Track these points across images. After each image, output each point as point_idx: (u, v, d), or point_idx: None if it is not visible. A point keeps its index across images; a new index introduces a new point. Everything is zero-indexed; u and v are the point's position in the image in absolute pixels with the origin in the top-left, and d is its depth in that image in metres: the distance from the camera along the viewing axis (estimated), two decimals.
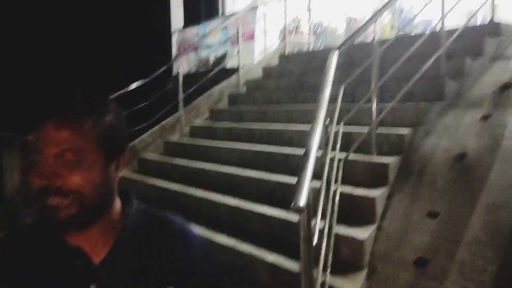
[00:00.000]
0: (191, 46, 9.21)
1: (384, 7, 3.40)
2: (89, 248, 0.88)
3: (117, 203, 0.93)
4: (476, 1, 4.04)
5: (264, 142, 4.18)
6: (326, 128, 2.41)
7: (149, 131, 5.87)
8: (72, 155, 0.81)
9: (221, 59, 8.24)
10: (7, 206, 8.35)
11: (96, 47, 8.96)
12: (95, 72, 8.80)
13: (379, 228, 2.63)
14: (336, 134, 2.79)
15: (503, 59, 3.65)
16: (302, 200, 1.61)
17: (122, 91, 5.52)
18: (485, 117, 3.06)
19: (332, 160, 2.64)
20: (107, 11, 9.11)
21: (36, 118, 0.85)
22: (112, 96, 5.41)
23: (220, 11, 9.72)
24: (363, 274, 2.41)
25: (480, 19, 5.71)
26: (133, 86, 5.41)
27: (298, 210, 1.60)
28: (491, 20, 4.10)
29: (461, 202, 2.52)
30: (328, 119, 2.40)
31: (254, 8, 7.26)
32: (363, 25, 3.17)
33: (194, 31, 9.22)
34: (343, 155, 2.84)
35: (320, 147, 2.21)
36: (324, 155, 2.45)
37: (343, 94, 2.81)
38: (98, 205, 0.86)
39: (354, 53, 4.15)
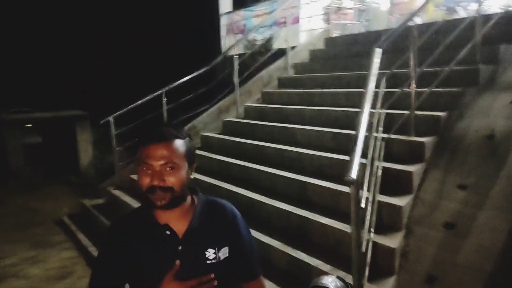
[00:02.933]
0: (239, 28, 9.72)
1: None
2: (173, 224, 1.41)
3: (189, 194, 1.46)
4: None
5: (313, 123, 4.70)
6: (371, 112, 2.90)
7: (207, 112, 6.51)
8: (170, 165, 1.33)
9: (268, 41, 8.67)
10: (82, 178, 9.35)
11: (153, 32, 9.62)
12: (155, 54, 9.53)
13: (415, 198, 3.13)
14: (379, 117, 3.28)
15: None
16: (354, 174, 2.15)
17: (185, 78, 6.15)
18: None
19: (376, 139, 3.14)
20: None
21: (143, 141, 1.36)
22: (175, 84, 6.07)
23: None
24: (401, 234, 2.94)
25: None
26: (195, 73, 5.98)
27: (350, 182, 2.15)
28: None
29: (486, 176, 2.97)
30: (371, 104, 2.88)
31: None
32: (403, 22, 3.57)
33: (241, 14, 9.69)
34: (385, 135, 3.34)
35: (366, 129, 2.71)
36: (369, 136, 2.95)
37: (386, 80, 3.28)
38: (181, 195, 1.38)
39: (396, 38, 4.52)
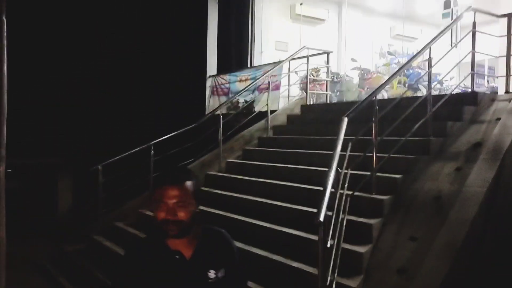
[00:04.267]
0: (223, 90, 10.50)
1: (394, 75, 4.54)
2: (182, 250, 1.67)
3: (195, 225, 1.72)
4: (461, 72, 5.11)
5: (290, 180, 5.25)
6: (338, 172, 3.47)
7: (191, 165, 7.00)
8: (181, 202, 1.60)
9: (249, 104, 9.39)
10: (59, 221, 9.47)
11: (144, 87, 10.25)
12: (139, 107, 10.10)
13: (374, 247, 3.66)
14: (345, 176, 3.86)
15: (477, 123, 4.69)
16: (321, 217, 2.68)
17: (172, 134, 6.72)
18: (458, 169, 4.10)
19: (342, 195, 3.70)
20: (154, 57, 10.45)
21: (161, 183, 1.63)
22: (163, 138, 6.61)
23: (249, 63, 11.04)
24: (361, 277, 3.42)
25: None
26: (182, 130, 6.56)
27: (318, 224, 2.67)
28: (472, 91, 5.17)
29: (433, 230, 3.54)
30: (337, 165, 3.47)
31: (279, 62, 8.41)
32: (371, 93, 4.27)
33: (226, 78, 10.50)
34: (350, 192, 3.90)
35: (333, 186, 3.26)
36: (336, 191, 3.50)
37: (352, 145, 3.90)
38: (189, 226, 1.65)
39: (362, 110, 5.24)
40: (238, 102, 10.00)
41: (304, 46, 7.26)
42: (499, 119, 4.41)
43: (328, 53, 7.62)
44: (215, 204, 5.53)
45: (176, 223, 1.60)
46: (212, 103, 11.08)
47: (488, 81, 11.42)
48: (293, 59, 7.58)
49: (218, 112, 7.34)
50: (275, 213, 4.73)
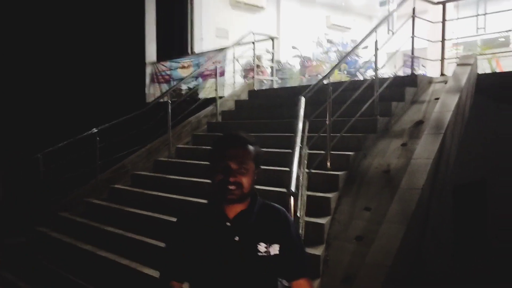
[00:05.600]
0: (165, 77, 10.35)
1: (339, 63, 4.78)
2: (234, 219, 1.60)
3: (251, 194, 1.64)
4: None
5: None
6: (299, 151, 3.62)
7: (137, 153, 6.89)
8: (244, 165, 1.55)
9: (193, 90, 9.34)
10: None
11: (82, 75, 9.83)
12: (78, 99, 9.68)
13: (333, 218, 3.88)
14: (304, 154, 4.04)
15: (418, 103, 5.09)
16: (293, 188, 2.82)
17: (116, 120, 6.58)
18: (404, 144, 4.45)
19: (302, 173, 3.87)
20: (91, 44, 10.03)
21: (222, 144, 1.59)
22: (106, 125, 6.46)
23: (189, 50, 10.95)
24: (323, 246, 3.62)
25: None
26: (125, 117, 6.47)
27: (291, 194, 2.81)
28: (411, 73, 5.58)
29: (385, 200, 3.83)
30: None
31: (223, 49, 8.43)
32: (323, 77, 4.48)
33: (167, 65, 10.34)
34: (307, 170, 4.09)
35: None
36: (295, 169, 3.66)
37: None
38: (248, 193, 1.58)
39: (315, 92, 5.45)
40: (181, 89, 9.91)
41: (250, 31, 7.35)
42: (437, 98, 4.81)
43: (273, 39, 7.78)
44: (166, 189, 5.50)
45: (236, 184, 1.54)
46: (152, 90, 10.89)
47: (415, 69, 12.25)
48: (239, 44, 7.64)
49: (165, 99, 7.30)
50: None
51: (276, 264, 1.61)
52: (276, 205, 1.73)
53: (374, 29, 4.91)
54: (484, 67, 6.25)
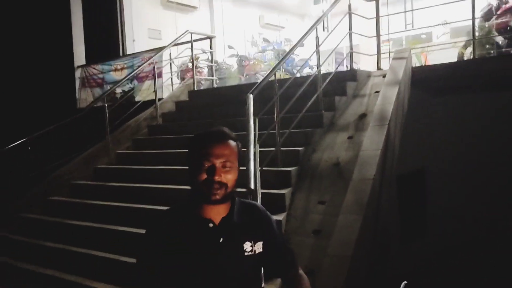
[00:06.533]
0: (97, 81, 9.87)
1: (280, 61, 4.78)
2: (215, 219, 1.51)
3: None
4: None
5: (184, 164, 5.16)
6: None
7: (75, 160, 6.49)
8: (229, 163, 1.46)
9: (128, 93, 8.98)
10: None
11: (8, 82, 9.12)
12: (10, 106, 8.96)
13: (288, 214, 3.87)
14: (256, 153, 3.99)
15: (359, 97, 5.24)
16: (252, 186, 2.76)
17: (47, 128, 6.17)
18: (350, 137, 4.55)
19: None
20: (15, 48, 9.33)
21: (206, 140, 1.48)
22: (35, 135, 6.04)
23: (121, 52, 10.54)
24: None
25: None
26: (56, 124, 6.08)
27: (250, 191, 2.74)
28: (351, 68, 5.74)
29: (337, 192, 3.88)
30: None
31: (160, 49, 8.20)
32: (268, 73, 4.46)
33: (99, 68, 9.87)
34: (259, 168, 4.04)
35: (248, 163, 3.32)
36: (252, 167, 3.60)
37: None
38: (231, 192, 1.51)
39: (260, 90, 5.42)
40: (114, 93, 9.50)
41: (187, 31, 7.18)
42: (378, 92, 4.98)
43: (211, 38, 7.68)
44: (109, 197, 5.21)
45: (221, 184, 1.45)
46: (84, 95, 10.35)
47: (347, 66, 12.70)
48: (175, 44, 7.45)
49: (96, 104, 7.00)
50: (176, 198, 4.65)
51: (261, 262, 1.59)
52: (253, 201, 1.71)
53: (314, 26, 4.97)
54: (414, 62, 6.59)
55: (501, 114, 6.20)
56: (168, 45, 7.29)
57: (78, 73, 10.28)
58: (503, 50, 6.18)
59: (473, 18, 5.21)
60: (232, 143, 1.51)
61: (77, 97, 10.34)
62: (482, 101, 6.25)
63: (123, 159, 6.18)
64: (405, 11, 8.00)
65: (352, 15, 5.49)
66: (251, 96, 3.95)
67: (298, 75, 8.54)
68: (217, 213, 1.53)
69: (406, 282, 2.92)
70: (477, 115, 6.31)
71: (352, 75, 5.53)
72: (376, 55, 5.79)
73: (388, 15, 6.82)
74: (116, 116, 6.81)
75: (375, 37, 5.79)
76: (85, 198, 5.38)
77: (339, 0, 5.27)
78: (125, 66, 9.52)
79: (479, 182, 6.57)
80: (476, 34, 5.48)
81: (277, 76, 8.73)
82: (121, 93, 9.41)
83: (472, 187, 6.52)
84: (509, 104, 6.01)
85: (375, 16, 5.72)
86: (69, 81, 10.16)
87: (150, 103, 7.39)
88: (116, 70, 9.73)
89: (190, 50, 7.33)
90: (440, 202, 6.52)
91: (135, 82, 9.19)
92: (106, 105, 6.32)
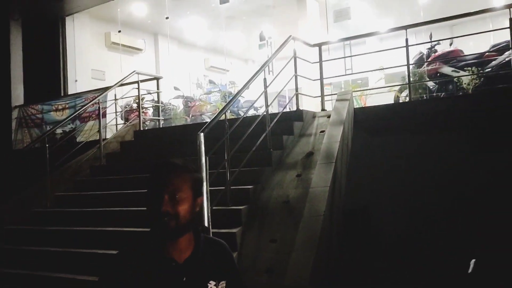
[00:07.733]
0: (35, 121, 9.46)
1: (231, 101, 4.86)
2: (178, 257, 1.47)
3: (192, 228, 1.53)
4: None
5: (130, 205, 5.00)
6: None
7: (9, 204, 6.07)
8: (178, 195, 1.42)
9: (69, 134, 8.66)
10: None
11: None
12: None
13: (239, 253, 3.82)
14: (207, 192, 3.95)
15: (306, 136, 5.39)
16: (206, 224, 2.71)
17: None
18: (299, 175, 4.63)
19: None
20: None
21: (155, 171, 1.46)
22: None
23: (62, 92, 10.26)
24: None
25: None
26: None
27: (205, 230, 2.69)
28: (297, 109, 5.93)
29: (289, 230, 3.90)
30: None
31: (105, 89, 8.05)
32: (217, 114, 4.50)
33: (38, 108, 9.49)
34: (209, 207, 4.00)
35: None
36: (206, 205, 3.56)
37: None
38: (186, 225, 1.45)
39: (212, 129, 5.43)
40: (54, 133, 9.12)
41: (134, 71, 7.14)
42: (323, 131, 5.16)
43: (158, 79, 7.67)
44: (46, 242, 4.89)
45: (170, 215, 1.40)
46: (20, 136, 9.87)
47: (289, 108, 13.11)
48: (122, 84, 7.36)
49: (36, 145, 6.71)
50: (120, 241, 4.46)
51: None
52: (216, 238, 1.68)
53: (262, 68, 5.14)
54: (354, 104, 6.93)
55: (432, 152, 6.59)
56: (114, 85, 7.18)
57: (15, 113, 9.84)
58: (434, 94, 6.69)
59: (408, 64, 5.63)
60: (185, 173, 1.48)
61: (13, 138, 9.85)
62: (416, 141, 6.64)
63: (62, 201, 5.87)
64: (344, 57, 8.49)
65: (297, 59, 5.75)
66: (202, 134, 3.95)
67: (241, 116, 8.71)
68: (179, 249, 1.49)
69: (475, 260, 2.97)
70: (411, 154, 6.67)
71: (298, 115, 5.71)
72: (320, 97, 6.03)
73: (330, 59, 7.19)
74: (55, 157, 6.53)
75: (319, 80, 6.05)
76: (20, 244, 5.02)
77: (285, 44, 5.50)
78: (67, 106, 9.23)
79: (415, 220, 6.85)
80: (411, 79, 5.91)
81: (224, 117, 8.86)
82: (61, 133, 9.05)
83: (408, 223, 6.78)
84: (439, 143, 6.42)
85: (318, 60, 6.01)
86: (5, 122, 9.68)
87: (93, 143, 7.17)
88: (57, 110, 9.40)
89: (136, 90, 7.29)
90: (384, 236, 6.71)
91: (77, 122, 8.90)
92: (47, 145, 6.04)
